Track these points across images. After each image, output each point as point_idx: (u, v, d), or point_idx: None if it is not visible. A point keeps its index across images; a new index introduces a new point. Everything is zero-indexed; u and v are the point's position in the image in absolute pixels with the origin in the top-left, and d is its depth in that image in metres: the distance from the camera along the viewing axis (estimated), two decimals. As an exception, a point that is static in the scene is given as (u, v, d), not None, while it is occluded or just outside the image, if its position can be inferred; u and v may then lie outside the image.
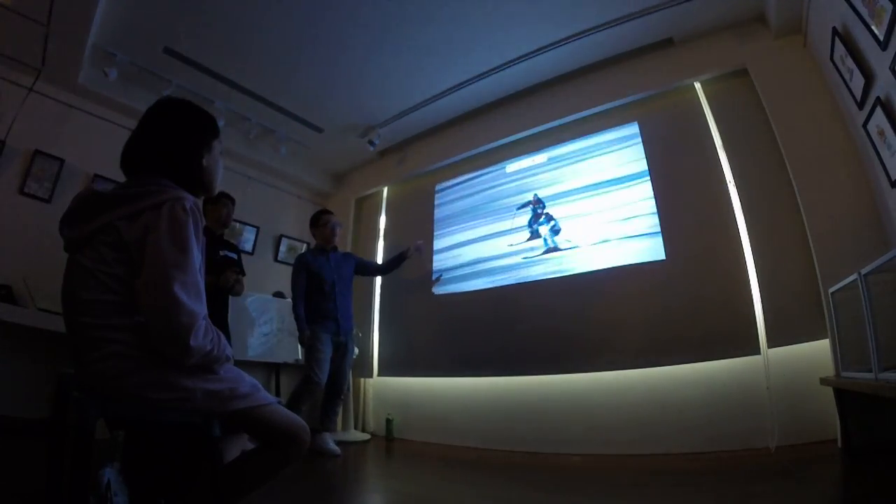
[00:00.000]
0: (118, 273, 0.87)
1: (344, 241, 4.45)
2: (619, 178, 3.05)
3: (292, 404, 2.81)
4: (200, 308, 0.88)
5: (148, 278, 0.83)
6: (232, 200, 2.73)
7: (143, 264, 0.85)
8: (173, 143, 1.01)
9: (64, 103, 3.06)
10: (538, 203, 3.38)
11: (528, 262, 3.29)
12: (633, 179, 2.99)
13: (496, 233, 3.54)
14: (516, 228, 3.43)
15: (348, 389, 3.13)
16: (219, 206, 2.65)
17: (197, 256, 0.90)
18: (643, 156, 2.99)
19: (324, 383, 2.93)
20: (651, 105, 3.09)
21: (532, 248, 3.30)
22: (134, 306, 0.86)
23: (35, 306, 2.51)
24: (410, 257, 3.56)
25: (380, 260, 4.17)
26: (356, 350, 3.28)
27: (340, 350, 3.08)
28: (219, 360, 0.93)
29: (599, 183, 3.12)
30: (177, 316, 0.82)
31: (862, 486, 1.60)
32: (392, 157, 4.34)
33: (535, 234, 3.33)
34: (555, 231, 3.23)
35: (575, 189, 3.22)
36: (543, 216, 3.32)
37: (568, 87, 3.36)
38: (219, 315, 2.57)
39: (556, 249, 3.18)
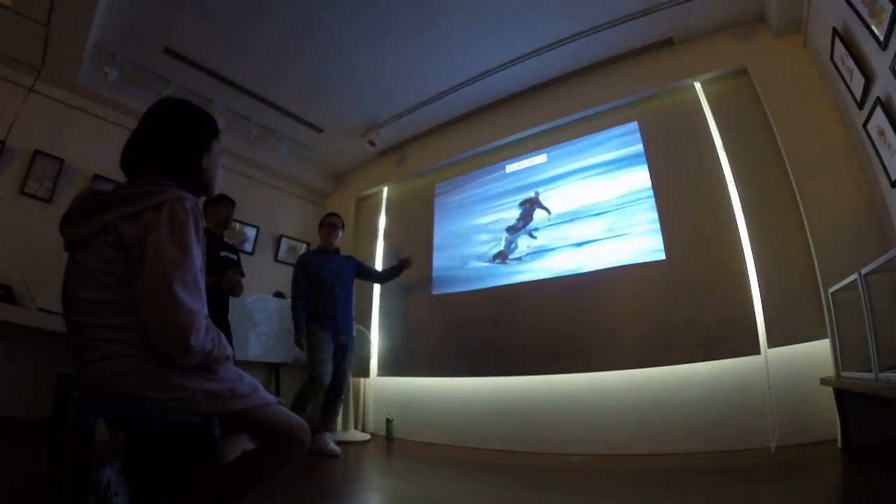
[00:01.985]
0: (118, 273, 0.87)
1: (344, 241, 4.46)
2: (618, 178, 3.05)
3: (297, 403, 2.84)
4: (200, 307, 0.87)
5: (148, 278, 0.83)
6: (232, 202, 2.74)
7: (143, 264, 0.85)
8: (173, 143, 1.01)
9: (64, 103, 3.06)
10: (535, 202, 3.38)
11: (527, 261, 3.29)
12: (633, 179, 2.99)
13: (495, 232, 3.54)
14: (510, 225, 3.44)
15: (348, 390, 3.13)
16: (219, 208, 2.66)
17: (198, 255, 0.90)
18: (643, 156, 2.99)
19: (328, 382, 2.93)
20: (651, 105, 3.09)
21: (522, 248, 3.31)
22: (134, 306, 0.85)
23: (35, 306, 2.51)
24: (409, 264, 3.49)
25: (379, 265, 4.18)
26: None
27: (341, 350, 3.09)
28: (219, 359, 0.93)
29: (599, 183, 3.12)
30: (177, 315, 0.82)
31: (862, 486, 1.60)
32: (392, 157, 4.34)
33: (523, 234, 3.36)
34: (531, 235, 3.29)
35: (575, 189, 3.22)
36: (532, 215, 3.36)
37: (568, 87, 3.36)
38: (220, 315, 2.58)
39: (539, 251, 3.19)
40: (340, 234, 3.33)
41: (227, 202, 2.70)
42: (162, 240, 0.85)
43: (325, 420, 2.97)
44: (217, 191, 1.15)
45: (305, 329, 2.99)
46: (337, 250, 3.30)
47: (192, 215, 0.90)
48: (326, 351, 2.97)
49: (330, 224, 3.27)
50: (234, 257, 2.77)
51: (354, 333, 3.30)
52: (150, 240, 0.85)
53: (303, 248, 4.39)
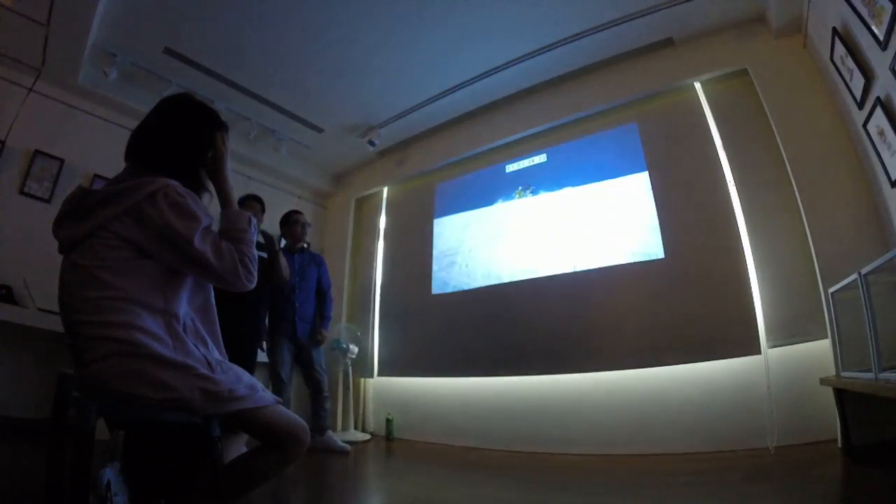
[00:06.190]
0: (115, 270, 0.87)
1: (343, 241, 4.46)
2: (618, 178, 3.05)
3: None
4: (215, 241, 0.95)
5: (179, 253, 0.91)
6: (261, 203, 2.63)
7: (168, 253, 0.91)
8: (182, 146, 1.03)
9: (64, 103, 3.06)
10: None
11: (526, 260, 3.29)
12: (633, 179, 2.99)
13: (494, 231, 3.54)
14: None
15: (326, 384, 3.11)
16: (244, 209, 2.59)
17: (205, 217, 0.96)
18: (643, 155, 2.99)
19: (287, 380, 2.92)
20: (651, 105, 3.09)
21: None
22: (133, 302, 0.86)
23: (35, 306, 2.51)
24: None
25: (379, 265, 4.18)
26: (322, 352, 3.16)
27: (304, 351, 3.04)
28: (244, 260, 0.98)
29: (599, 183, 3.13)
30: (210, 265, 0.92)
31: (862, 486, 1.60)
32: (392, 157, 4.34)
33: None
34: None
35: (574, 189, 3.22)
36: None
37: (568, 87, 3.36)
38: (256, 315, 2.56)
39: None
40: (308, 230, 3.19)
41: (253, 202, 2.59)
42: (171, 223, 0.90)
43: (316, 422, 2.96)
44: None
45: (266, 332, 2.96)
46: (302, 249, 3.19)
47: (188, 194, 0.95)
48: (281, 353, 2.94)
49: (297, 222, 3.14)
50: (265, 255, 2.73)
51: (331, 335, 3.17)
52: (160, 227, 0.89)
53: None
